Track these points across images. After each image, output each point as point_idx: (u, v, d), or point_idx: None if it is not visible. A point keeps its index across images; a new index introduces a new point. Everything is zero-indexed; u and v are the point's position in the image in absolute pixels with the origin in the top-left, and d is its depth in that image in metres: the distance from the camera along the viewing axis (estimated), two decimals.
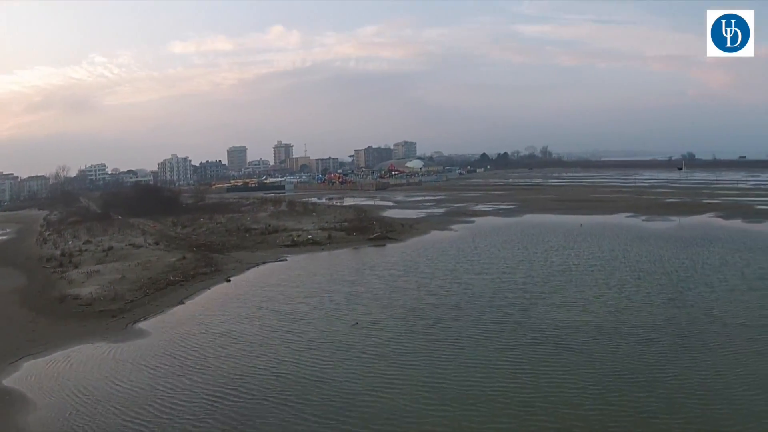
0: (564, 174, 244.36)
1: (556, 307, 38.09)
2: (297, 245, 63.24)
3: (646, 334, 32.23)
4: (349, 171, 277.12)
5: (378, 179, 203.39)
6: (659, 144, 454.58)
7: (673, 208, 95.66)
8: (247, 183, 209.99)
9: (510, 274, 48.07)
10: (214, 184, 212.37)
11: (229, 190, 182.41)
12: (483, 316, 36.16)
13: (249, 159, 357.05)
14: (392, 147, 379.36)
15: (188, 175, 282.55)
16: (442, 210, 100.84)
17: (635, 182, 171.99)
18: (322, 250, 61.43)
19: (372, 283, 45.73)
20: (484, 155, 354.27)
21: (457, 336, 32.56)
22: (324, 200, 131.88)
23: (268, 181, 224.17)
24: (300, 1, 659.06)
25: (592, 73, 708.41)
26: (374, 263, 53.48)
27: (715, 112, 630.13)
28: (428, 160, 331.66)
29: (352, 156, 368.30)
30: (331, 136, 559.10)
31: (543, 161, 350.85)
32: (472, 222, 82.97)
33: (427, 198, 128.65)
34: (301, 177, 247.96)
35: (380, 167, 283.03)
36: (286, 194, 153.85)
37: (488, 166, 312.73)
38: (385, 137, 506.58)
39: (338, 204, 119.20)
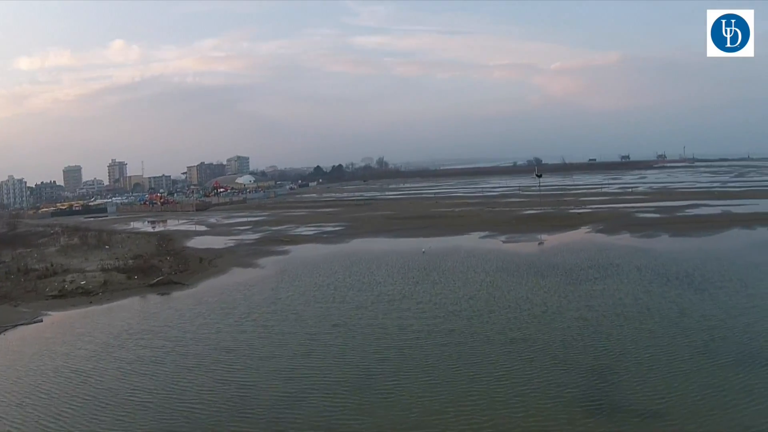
0: (402, 185, 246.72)
1: None
2: (65, 296, 56.80)
3: None
4: (176, 190, 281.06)
5: (202, 198, 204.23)
6: (502, 150, 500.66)
7: (536, 222, 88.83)
8: (72, 206, 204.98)
9: (316, 357, 34.16)
10: (41, 208, 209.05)
11: (54, 214, 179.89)
12: None
13: (84, 179, 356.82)
14: (225, 162, 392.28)
15: (24, 198, 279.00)
16: (256, 235, 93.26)
17: (482, 191, 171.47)
18: (90, 303, 53.54)
19: (105, 380, 33.02)
20: (318, 168, 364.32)
21: None
22: (145, 224, 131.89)
23: (93, 203, 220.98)
24: (142, 14, 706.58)
25: (432, 82, 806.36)
26: (133, 331, 42.93)
27: (560, 117, 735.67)
28: (261, 175, 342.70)
29: (185, 173, 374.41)
30: (167, 152, 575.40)
31: (379, 172, 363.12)
32: (286, 253, 74.49)
33: (246, 219, 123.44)
34: (128, 197, 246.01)
35: (206, 185, 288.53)
36: (109, 218, 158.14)
37: (320, 180, 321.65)
38: (220, 152, 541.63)
39: (150, 230, 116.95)
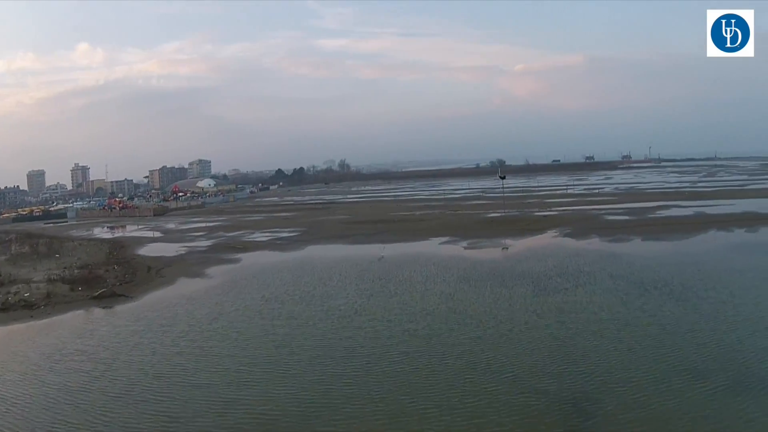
0: (363, 188, 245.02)
1: None
2: (7, 309, 54.87)
3: None
4: (137, 194, 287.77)
5: (160, 203, 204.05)
6: (465, 152, 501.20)
7: (499, 226, 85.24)
8: (32, 211, 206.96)
9: (253, 386, 30.48)
10: (3, 213, 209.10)
11: (16, 220, 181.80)
12: None
13: (48, 183, 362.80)
14: (187, 166, 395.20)
15: None
16: (210, 242, 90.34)
17: (444, 194, 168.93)
18: (32, 317, 51.08)
19: (28, 411, 30.04)
20: (279, 171, 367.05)
21: None
22: (104, 229, 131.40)
23: (54, 208, 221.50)
24: (106, 16, 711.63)
25: (394, 85, 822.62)
26: (66, 351, 39.74)
27: (523, 118, 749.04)
28: (222, 179, 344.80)
29: (147, 177, 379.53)
30: (130, 156, 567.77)
31: (340, 175, 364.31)
32: (238, 261, 71.39)
33: (201, 225, 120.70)
34: (89, 202, 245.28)
35: (166, 189, 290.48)
36: (68, 223, 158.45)
37: (281, 183, 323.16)
38: (182, 156, 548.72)
39: (105, 236, 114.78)
